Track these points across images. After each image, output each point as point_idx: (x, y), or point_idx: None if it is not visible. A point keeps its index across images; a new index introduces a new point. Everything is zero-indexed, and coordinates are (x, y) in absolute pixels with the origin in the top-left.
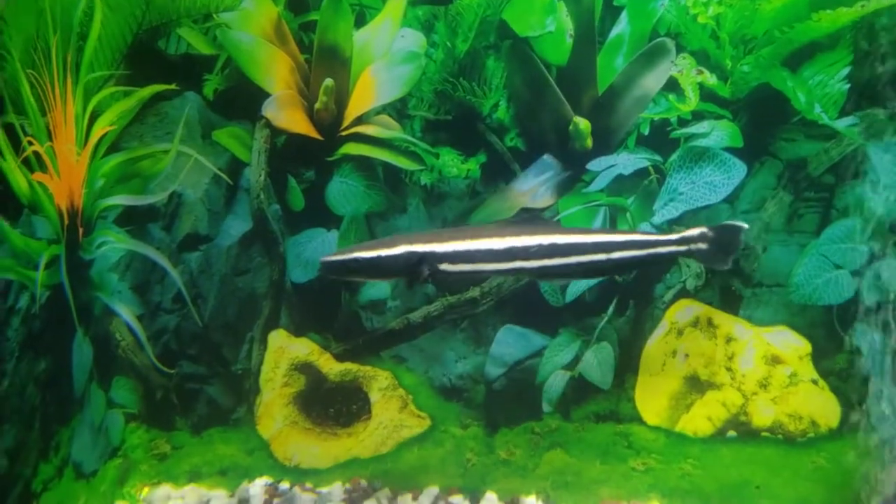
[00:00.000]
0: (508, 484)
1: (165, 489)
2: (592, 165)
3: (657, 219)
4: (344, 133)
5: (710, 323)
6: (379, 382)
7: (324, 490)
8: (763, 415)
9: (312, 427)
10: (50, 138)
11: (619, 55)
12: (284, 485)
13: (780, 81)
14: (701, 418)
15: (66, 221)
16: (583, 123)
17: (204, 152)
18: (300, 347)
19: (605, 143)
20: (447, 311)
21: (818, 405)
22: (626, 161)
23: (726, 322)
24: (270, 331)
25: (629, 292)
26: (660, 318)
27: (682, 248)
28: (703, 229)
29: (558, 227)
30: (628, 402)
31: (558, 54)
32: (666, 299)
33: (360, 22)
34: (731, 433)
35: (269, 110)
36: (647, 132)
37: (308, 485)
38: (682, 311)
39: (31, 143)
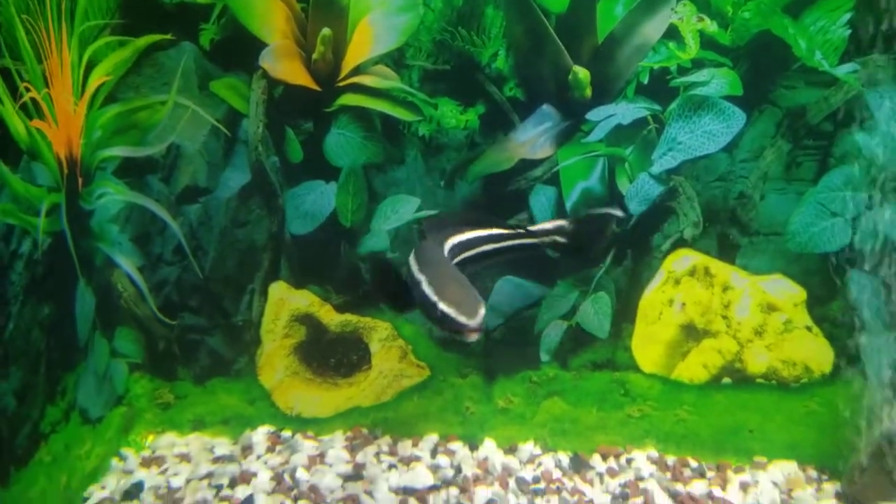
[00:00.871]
0: (506, 431)
1: (170, 437)
2: (591, 115)
3: (656, 168)
4: (341, 84)
5: (707, 272)
6: (379, 333)
7: (325, 438)
8: (758, 361)
9: (313, 377)
10: (47, 86)
11: (618, 3)
12: (286, 433)
13: (781, 28)
14: (696, 366)
15: (66, 171)
16: (582, 73)
17: (201, 104)
18: (300, 299)
19: (605, 92)
20: None
21: (812, 351)
22: (625, 111)
23: (723, 271)
24: (270, 283)
25: (627, 242)
26: (657, 267)
27: (535, 241)
28: (561, 222)
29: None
30: (625, 350)
31: (558, 2)
32: (663, 249)
33: None
34: (726, 380)
35: (267, 61)
36: (646, 81)
37: (310, 433)
38: (680, 261)
39: (28, 90)
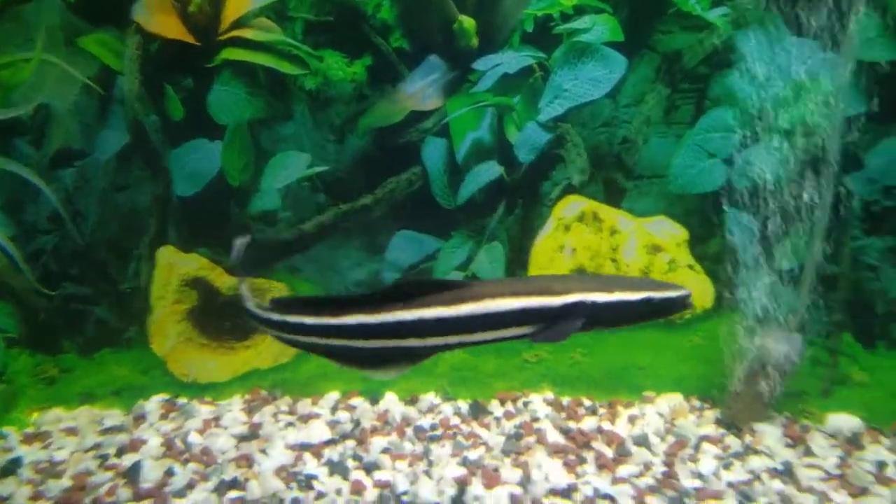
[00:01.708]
0: (407, 384)
1: (56, 412)
2: (478, 65)
3: (543, 116)
4: (222, 37)
5: (595, 217)
6: (274, 294)
7: (223, 402)
8: None
9: (208, 342)
10: None
11: None
12: (182, 400)
13: None
14: None
15: None
16: (467, 21)
17: (70, 61)
18: (190, 263)
19: (491, 41)
20: (340, 219)
21: (695, 288)
22: (512, 59)
23: (610, 215)
24: (158, 247)
25: (517, 191)
26: (548, 215)
27: None
28: None
29: None
30: None
31: None
32: (553, 196)
33: None
34: None
35: (140, 14)
36: (531, 29)
37: (207, 398)
38: (569, 207)
39: None
